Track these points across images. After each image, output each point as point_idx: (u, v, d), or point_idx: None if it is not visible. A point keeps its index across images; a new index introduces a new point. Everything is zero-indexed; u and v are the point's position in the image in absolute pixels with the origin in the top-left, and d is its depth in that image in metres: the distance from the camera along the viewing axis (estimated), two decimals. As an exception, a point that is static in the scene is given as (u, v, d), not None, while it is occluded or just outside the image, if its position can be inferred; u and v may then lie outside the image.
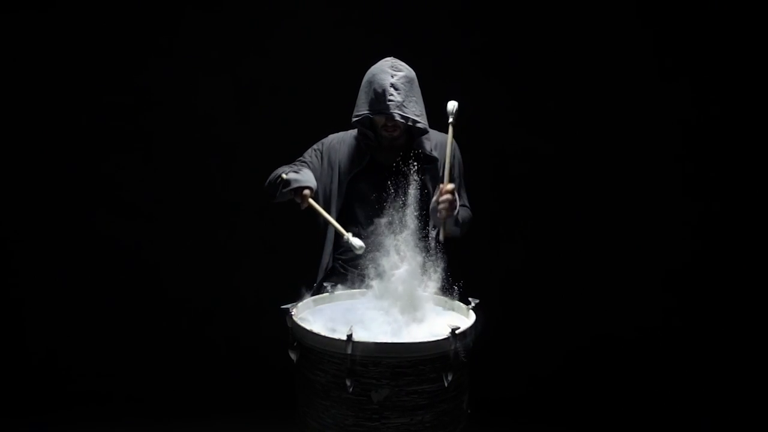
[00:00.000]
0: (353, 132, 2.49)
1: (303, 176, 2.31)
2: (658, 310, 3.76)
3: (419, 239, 2.32)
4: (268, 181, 2.39)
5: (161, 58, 3.63)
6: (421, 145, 2.42)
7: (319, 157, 2.49)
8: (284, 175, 2.29)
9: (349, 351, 1.76)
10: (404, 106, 2.28)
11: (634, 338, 3.74)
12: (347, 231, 2.29)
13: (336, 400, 1.83)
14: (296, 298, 2.11)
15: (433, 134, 2.47)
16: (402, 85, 2.29)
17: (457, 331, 1.84)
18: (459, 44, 3.65)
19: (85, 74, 3.62)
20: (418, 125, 2.33)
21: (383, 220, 2.31)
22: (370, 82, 2.32)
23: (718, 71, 3.65)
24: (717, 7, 3.57)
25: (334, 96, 2.66)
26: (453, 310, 2.17)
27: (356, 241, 2.27)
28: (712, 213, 3.73)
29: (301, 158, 2.51)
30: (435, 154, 2.43)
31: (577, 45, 3.66)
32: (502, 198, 3.60)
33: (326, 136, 2.54)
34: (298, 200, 2.31)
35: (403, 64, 2.37)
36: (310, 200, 2.31)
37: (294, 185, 2.28)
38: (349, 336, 1.76)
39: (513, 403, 3.38)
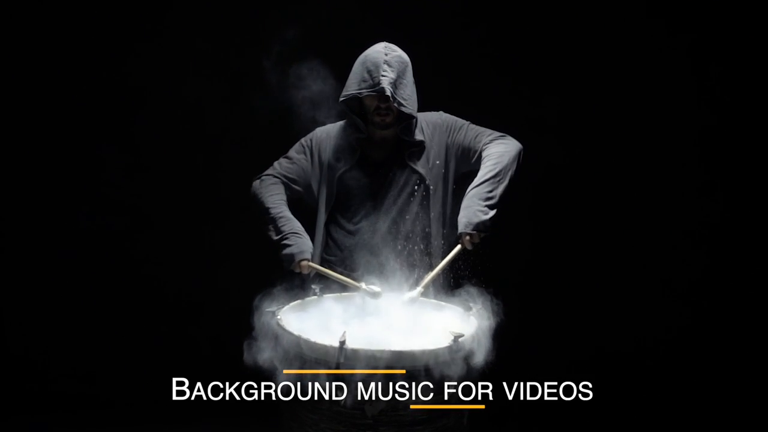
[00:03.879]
0: (340, 124, 2.35)
1: (296, 246, 2.18)
2: (665, 320, 3.67)
3: (415, 242, 2.24)
4: (255, 202, 2.30)
5: (147, 50, 3.51)
6: (409, 130, 2.27)
7: (308, 154, 2.34)
8: (277, 239, 2.21)
9: (342, 359, 1.59)
10: (396, 85, 2.16)
11: (639, 350, 3.67)
12: (359, 280, 2.12)
13: (325, 414, 1.68)
14: (283, 300, 1.98)
15: (420, 116, 2.31)
16: (396, 64, 2.17)
17: (459, 339, 1.69)
18: (459, 38, 3.53)
19: (70, 66, 3.49)
20: (403, 109, 2.17)
21: (375, 219, 2.22)
22: (363, 62, 2.20)
23: (730, 71, 3.57)
24: (731, 6, 3.49)
25: (327, 89, 2.53)
26: (453, 316, 2.01)
27: (373, 289, 2.06)
28: (724, 221, 3.65)
29: (287, 158, 2.36)
30: (422, 137, 2.28)
31: (583, 40, 3.56)
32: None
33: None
34: (297, 270, 2.18)
35: (398, 47, 2.25)
36: (311, 264, 2.17)
37: (289, 262, 2.17)
38: (342, 342, 1.59)
39: (514, 411, 3.27)
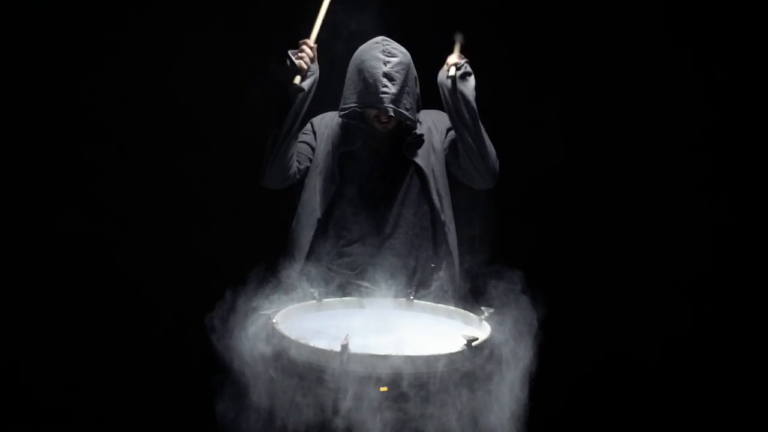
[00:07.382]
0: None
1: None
2: (667, 322, 3.57)
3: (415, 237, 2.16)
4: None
5: (133, 44, 3.43)
6: (409, 128, 2.20)
7: (311, 132, 2.27)
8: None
9: (344, 364, 1.45)
10: (398, 99, 2.06)
11: (646, 353, 3.57)
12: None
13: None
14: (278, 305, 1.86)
15: (421, 114, 2.25)
16: (396, 74, 2.07)
17: (474, 343, 1.55)
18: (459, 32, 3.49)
19: (51, 61, 3.40)
20: (408, 122, 2.12)
21: (376, 212, 2.14)
22: (360, 70, 2.09)
23: (736, 67, 3.51)
24: (735, 3, 3.45)
25: (323, 84, 2.44)
26: (463, 321, 1.87)
27: None
28: (735, 220, 3.57)
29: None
30: (421, 131, 2.21)
31: (586, 38, 3.50)
32: (503, 202, 3.42)
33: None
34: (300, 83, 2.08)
35: (397, 46, 2.14)
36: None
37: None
38: (345, 346, 1.45)
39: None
